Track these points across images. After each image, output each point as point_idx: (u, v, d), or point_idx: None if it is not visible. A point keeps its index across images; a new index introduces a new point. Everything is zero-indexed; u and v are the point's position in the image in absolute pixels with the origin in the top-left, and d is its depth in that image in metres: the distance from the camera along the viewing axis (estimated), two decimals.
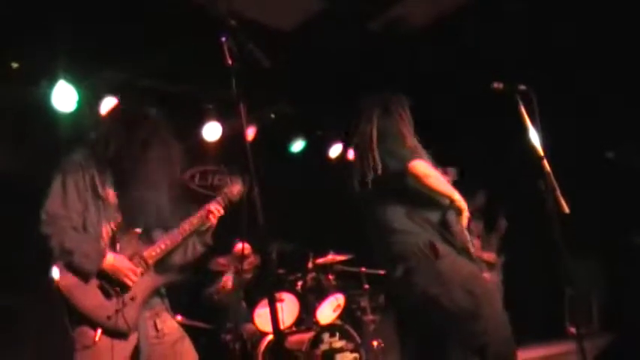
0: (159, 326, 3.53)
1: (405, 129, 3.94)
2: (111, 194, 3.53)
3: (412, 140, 3.90)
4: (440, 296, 3.61)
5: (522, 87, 3.93)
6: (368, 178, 3.90)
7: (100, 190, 3.44)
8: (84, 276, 3.25)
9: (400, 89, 4.25)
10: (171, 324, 3.62)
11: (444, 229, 3.70)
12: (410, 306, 3.93)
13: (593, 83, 7.02)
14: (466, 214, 3.80)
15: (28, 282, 3.45)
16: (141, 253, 3.45)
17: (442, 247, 3.67)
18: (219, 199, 3.77)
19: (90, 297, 3.25)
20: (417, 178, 3.66)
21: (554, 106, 4.72)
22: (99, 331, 3.22)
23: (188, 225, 3.62)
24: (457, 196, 3.75)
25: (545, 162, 3.80)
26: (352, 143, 4.06)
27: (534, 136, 3.85)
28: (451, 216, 3.77)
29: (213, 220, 3.72)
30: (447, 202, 3.76)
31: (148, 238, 3.60)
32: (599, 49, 6.65)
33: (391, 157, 3.77)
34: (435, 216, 3.76)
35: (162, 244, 3.53)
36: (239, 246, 5.94)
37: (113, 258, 3.34)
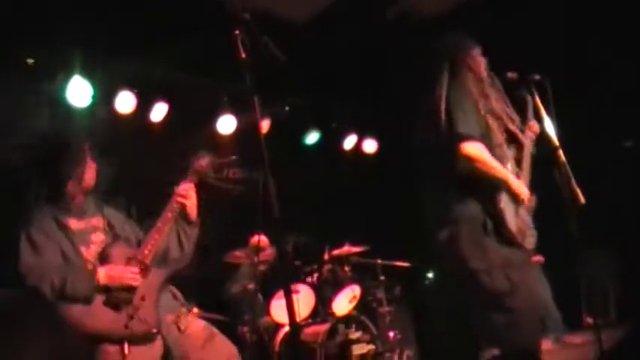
0: (182, 327, 3.55)
1: (475, 89, 3.77)
2: (92, 220, 3.57)
3: (481, 105, 3.73)
4: (480, 272, 3.55)
5: (537, 77, 3.90)
6: (431, 142, 3.79)
7: (68, 221, 3.50)
8: (84, 301, 3.28)
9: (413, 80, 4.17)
10: (196, 324, 3.64)
11: (494, 209, 3.63)
12: (447, 272, 3.89)
13: (610, 72, 6.96)
14: (525, 198, 3.72)
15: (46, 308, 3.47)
16: (135, 256, 3.47)
17: (490, 225, 3.60)
18: (189, 177, 3.80)
19: (100, 317, 3.28)
20: (467, 161, 3.57)
21: (570, 96, 4.68)
22: (125, 344, 3.23)
23: (170, 212, 3.64)
24: (513, 181, 3.67)
25: (561, 152, 3.78)
26: (421, 102, 3.90)
27: (549, 126, 3.82)
28: (504, 198, 3.65)
29: (189, 199, 3.72)
30: (502, 185, 3.67)
31: (139, 244, 3.63)
32: (615, 37, 6.59)
33: (451, 130, 3.62)
34: (487, 194, 3.65)
35: (152, 239, 3.55)
36: (256, 238, 5.95)
37: (104, 270, 3.37)
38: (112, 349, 3.21)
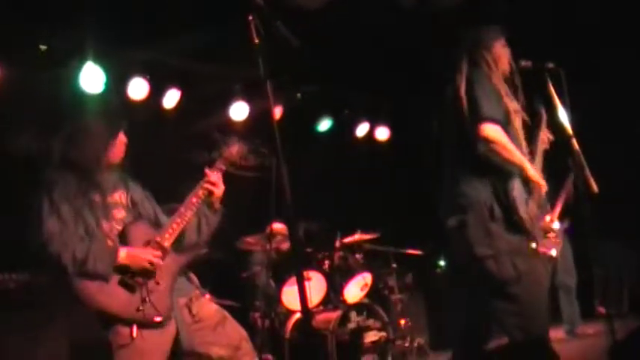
0: (194, 311, 3.53)
1: (494, 79, 3.78)
2: (114, 195, 3.56)
3: (501, 94, 3.73)
4: (487, 259, 3.56)
5: (550, 65, 3.87)
6: (449, 129, 3.82)
7: (91, 193, 3.44)
8: (102, 278, 3.24)
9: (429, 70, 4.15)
10: (208, 308, 3.62)
11: (506, 196, 3.61)
12: (458, 259, 3.89)
13: (623, 58, 6.91)
14: (538, 186, 3.71)
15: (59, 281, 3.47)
16: (155, 238, 3.45)
17: (498, 212, 3.59)
18: (219, 164, 3.74)
19: (114, 297, 3.24)
20: (485, 143, 3.57)
21: (583, 84, 4.65)
22: (134, 327, 3.21)
23: (195, 198, 3.59)
24: (528, 167, 3.66)
25: (574, 141, 3.76)
26: (446, 91, 3.89)
27: (563, 115, 3.80)
28: (517, 185, 3.64)
29: (219, 187, 3.68)
30: (518, 170, 3.66)
31: (157, 223, 3.62)
32: (627, 24, 6.54)
33: (474, 111, 3.62)
34: (500, 180, 3.65)
35: (173, 224, 3.51)
36: (275, 225, 5.97)
37: (126, 251, 3.33)
38: (125, 330, 3.21)
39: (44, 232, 3.23)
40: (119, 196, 3.57)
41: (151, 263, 3.34)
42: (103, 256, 3.26)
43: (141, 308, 3.24)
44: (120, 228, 3.45)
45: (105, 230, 3.41)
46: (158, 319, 3.27)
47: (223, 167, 3.73)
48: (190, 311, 3.52)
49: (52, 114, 5.49)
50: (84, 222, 3.36)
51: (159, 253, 3.39)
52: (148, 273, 3.34)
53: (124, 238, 3.40)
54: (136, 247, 3.38)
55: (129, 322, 3.21)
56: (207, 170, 3.67)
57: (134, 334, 3.20)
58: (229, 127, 6.95)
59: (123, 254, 3.31)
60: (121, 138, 3.64)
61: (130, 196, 3.62)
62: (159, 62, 6.48)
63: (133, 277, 3.30)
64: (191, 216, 3.56)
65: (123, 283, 3.28)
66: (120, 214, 3.51)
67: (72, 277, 3.20)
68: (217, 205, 3.72)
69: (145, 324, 3.24)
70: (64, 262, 3.18)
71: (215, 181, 3.64)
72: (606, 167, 4.07)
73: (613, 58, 6.94)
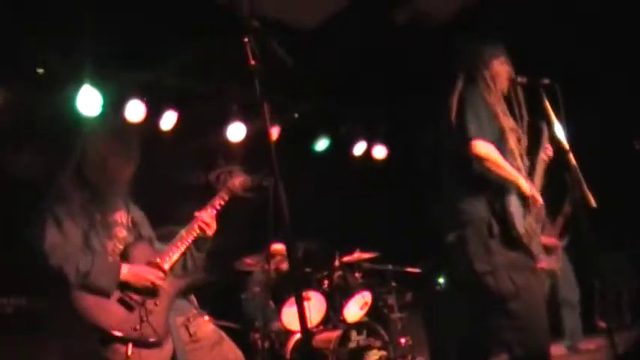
0: (191, 330, 3.53)
1: (490, 97, 3.78)
2: (115, 214, 3.56)
3: (495, 112, 3.74)
4: (485, 275, 3.56)
5: (546, 80, 3.89)
6: (444, 146, 3.84)
7: (95, 211, 3.45)
8: (104, 293, 3.26)
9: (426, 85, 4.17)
10: (205, 328, 3.62)
11: (503, 212, 3.62)
12: (457, 275, 3.89)
13: (618, 74, 6.94)
14: (533, 201, 3.71)
15: (53, 285, 3.47)
16: (155, 260, 3.46)
17: (496, 228, 3.60)
18: (222, 194, 3.76)
19: (112, 313, 3.25)
20: (477, 160, 3.58)
21: (579, 99, 4.67)
22: (130, 345, 3.22)
23: (198, 225, 3.62)
24: (522, 183, 3.66)
25: (571, 155, 3.77)
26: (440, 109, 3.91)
27: (559, 130, 3.81)
28: (514, 201, 3.65)
29: (211, 228, 3.68)
30: (512, 186, 3.67)
31: (153, 246, 3.63)
32: (624, 40, 6.58)
33: (461, 130, 3.64)
34: (497, 196, 3.65)
35: (174, 247, 3.54)
36: (274, 245, 5.96)
37: (129, 268, 3.34)
38: (121, 348, 3.21)
39: (46, 244, 3.25)
40: (120, 216, 3.59)
41: (153, 283, 3.34)
42: (105, 270, 3.29)
43: (138, 327, 3.24)
44: (121, 247, 3.48)
45: (107, 248, 3.42)
46: (153, 339, 3.27)
47: (226, 197, 3.75)
48: (188, 330, 3.53)
49: (51, 136, 5.51)
50: (86, 238, 3.38)
51: (161, 274, 3.39)
52: (148, 292, 3.34)
53: (125, 258, 3.43)
54: (141, 265, 3.40)
55: (125, 341, 3.21)
56: (196, 213, 3.68)
57: (129, 353, 3.20)
58: (230, 153, 6.96)
59: (125, 270, 3.33)
60: (134, 160, 3.67)
61: (130, 216, 3.65)
62: (156, 84, 6.50)
63: (134, 293, 3.31)
64: (191, 243, 3.58)
65: (122, 302, 3.29)
66: (122, 233, 3.53)
67: (72, 291, 3.21)
68: (207, 245, 3.74)
69: (141, 343, 3.24)
70: (66, 272, 3.20)
71: (208, 221, 3.65)
72: (602, 180, 4.08)
73: (610, 72, 6.97)
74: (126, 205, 3.68)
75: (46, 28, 5.41)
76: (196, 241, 3.68)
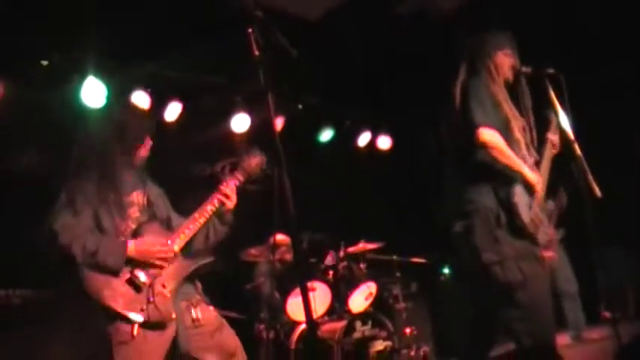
0: (195, 316, 3.56)
1: (494, 87, 3.79)
2: (132, 194, 3.58)
3: (499, 101, 3.74)
4: (493, 264, 3.57)
5: (551, 70, 3.88)
6: (450, 136, 3.85)
7: (109, 191, 3.48)
8: (112, 272, 3.29)
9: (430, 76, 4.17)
10: (208, 314, 3.65)
11: (508, 201, 3.62)
12: (464, 265, 3.89)
13: (623, 64, 6.92)
14: (538, 190, 3.73)
15: (63, 276, 3.49)
16: (166, 240, 3.48)
17: (503, 217, 3.61)
18: (238, 174, 3.79)
19: (120, 294, 3.28)
20: (483, 148, 3.59)
21: (584, 89, 4.65)
22: (135, 325, 3.25)
23: (210, 205, 3.65)
24: (527, 172, 3.67)
25: (576, 145, 3.76)
26: (441, 99, 3.91)
27: (565, 120, 3.81)
28: (519, 190, 3.66)
29: (231, 200, 3.71)
30: (518, 175, 3.68)
31: (168, 225, 3.64)
32: (626, 31, 6.56)
33: (466, 119, 3.65)
34: (502, 186, 3.66)
35: (185, 228, 3.57)
36: (279, 236, 5.97)
37: (135, 244, 3.38)
38: (126, 327, 3.23)
39: (57, 223, 3.29)
40: (136, 196, 3.62)
41: (159, 259, 3.37)
42: (113, 249, 3.32)
43: (144, 308, 3.27)
44: (134, 226, 3.50)
45: (119, 228, 3.45)
46: (158, 320, 3.32)
47: (242, 177, 3.78)
48: (191, 315, 3.55)
49: (54, 129, 5.52)
50: (98, 218, 3.42)
51: (166, 244, 3.42)
52: (160, 264, 3.38)
53: (136, 237, 3.46)
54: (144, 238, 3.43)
55: (130, 320, 3.24)
56: (222, 182, 3.70)
57: (135, 333, 3.22)
58: (235, 144, 6.97)
59: (131, 247, 3.35)
60: (148, 140, 3.72)
61: (146, 195, 3.68)
62: (160, 75, 6.50)
63: (141, 269, 3.35)
64: (203, 223, 3.60)
65: (130, 282, 3.32)
66: (135, 213, 3.55)
67: (82, 271, 3.24)
68: (228, 217, 3.77)
69: (147, 325, 3.26)
70: (74, 252, 3.23)
71: (229, 193, 3.68)
72: (608, 171, 4.07)
73: (615, 63, 6.95)
74: (143, 184, 3.71)
75: (49, 19, 5.40)
76: (218, 214, 3.71)
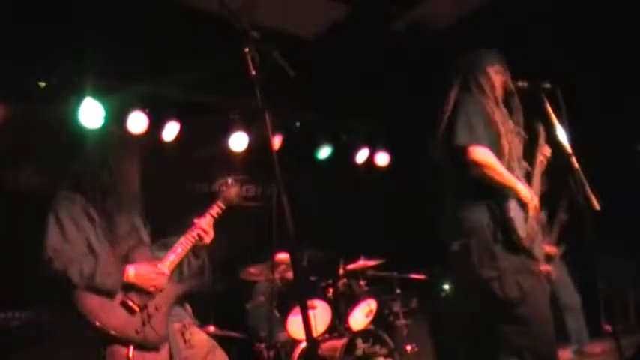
0: (186, 337, 3.59)
1: (486, 103, 3.80)
2: (119, 219, 3.59)
3: (490, 117, 3.75)
4: (491, 281, 3.56)
5: (547, 84, 3.90)
6: (442, 154, 3.84)
7: (95, 216, 3.50)
8: (108, 294, 3.30)
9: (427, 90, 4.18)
10: (199, 336, 3.67)
11: (505, 217, 3.61)
12: (461, 284, 3.89)
13: (620, 76, 6.94)
14: (532, 205, 3.72)
15: (56, 292, 3.50)
16: (157, 264, 3.51)
17: (499, 233, 3.60)
18: (219, 202, 3.83)
19: (115, 315, 3.30)
20: (474, 166, 3.59)
21: (581, 102, 4.67)
22: (131, 348, 3.26)
23: (196, 231, 3.67)
24: (520, 188, 3.67)
25: (574, 159, 3.77)
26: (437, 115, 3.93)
27: (561, 133, 3.82)
28: (513, 205, 3.65)
29: (211, 234, 3.75)
30: (511, 192, 3.67)
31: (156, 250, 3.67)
32: (624, 40, 6.59)
33: (455, 138, 3.65)
34: (497, 202, 3.66)
35: (173, 252, 3.60)
36: (279, 255, 5.96)
37: (134, 268, 3.40)
38: (122, 350, 3.24)
39: (48, 249, 3.30)
40: (123, 221, 3.61)
41: (156, 286, 3.37)
42: (110, 271, 3.33)
43: (139, 330, 3.28)
44: (124, 250, 3.51)
45: (109, 251, 3.47)
46: (153, 342, 3.33)
47: (222, 206, 3.81)
48: (183, 337, 3.58)
49: (53, 149, 5.53)
50: (88, 242, 3.43)
51: (163, 274, 3.44)
52: (154, 290, 3.41)
53: (126, 261, 3.48)
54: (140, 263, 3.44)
55: (126, 343, 3.24)
56: (196, 220, 3.74)
57: (131, 355, 3.22)
58: (233, 163, 6.98)
59: (131, 272, 3.38)
60: (135, 168, 3.75)
61: (133, 221, 3.67)
62: (158, 95, 6.52)
63: (136, 294, 3.35)
64: (190, 248, 3.63)
65: (124, 305, 3.33)
66: (124, 237, 3.56)
67: (76, 292, 3.24)
68: (202, 252, 3.82)
69: (142, 346, 3.27)
70: (70, 275, 3.23)
71: (205, 228, 3.70)
72: (606, 183, 4.07)
73: (611, 75, 6.97)
74: (128, 210, 3.71)
75: (47, 40, 5.42)
76: (193, 249, 3.74)
